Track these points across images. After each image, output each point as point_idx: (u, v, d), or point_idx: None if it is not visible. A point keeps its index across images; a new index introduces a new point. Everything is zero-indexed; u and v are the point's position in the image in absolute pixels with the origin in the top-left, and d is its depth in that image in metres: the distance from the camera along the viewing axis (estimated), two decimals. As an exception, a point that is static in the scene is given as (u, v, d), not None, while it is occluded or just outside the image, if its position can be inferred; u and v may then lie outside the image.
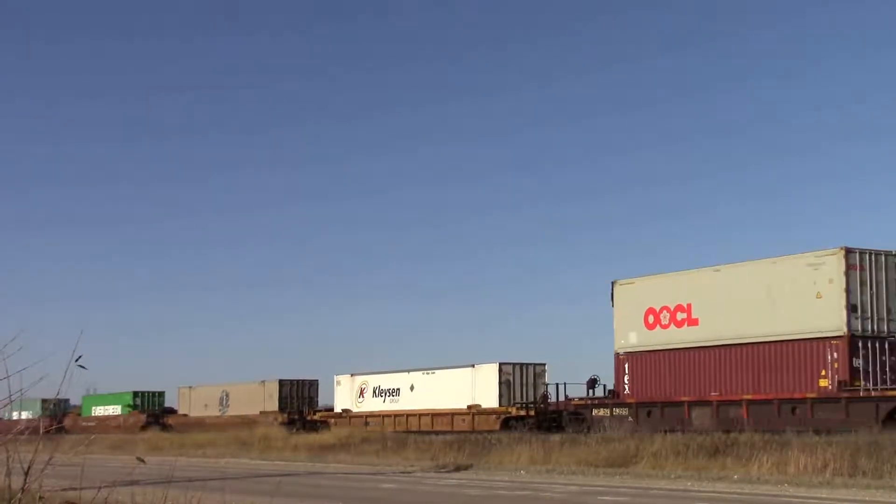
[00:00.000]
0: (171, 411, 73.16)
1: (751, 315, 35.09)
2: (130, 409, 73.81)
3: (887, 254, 33.67)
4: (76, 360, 7.36)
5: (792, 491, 24.00)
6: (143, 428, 67.62)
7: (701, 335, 36.72)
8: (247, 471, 36.02)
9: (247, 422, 58.60)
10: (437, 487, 27.53)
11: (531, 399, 45.96)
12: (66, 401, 79.71)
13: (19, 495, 8.12)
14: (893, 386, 32.41)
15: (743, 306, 35.49)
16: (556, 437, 36.57)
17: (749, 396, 34.95)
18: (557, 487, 26.38)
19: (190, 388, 70.48)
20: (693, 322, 37.11)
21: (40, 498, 8.02)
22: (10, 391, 7.69)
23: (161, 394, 75.67)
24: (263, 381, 63.78)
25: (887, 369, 32.82)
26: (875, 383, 32.37)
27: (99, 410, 77.94)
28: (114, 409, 76.24)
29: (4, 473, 8.22)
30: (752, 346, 35.12)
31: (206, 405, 67.97)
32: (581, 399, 41.85)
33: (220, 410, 66.45)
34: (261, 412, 61.45)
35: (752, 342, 35.11)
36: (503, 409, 45.82)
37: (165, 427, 67.85)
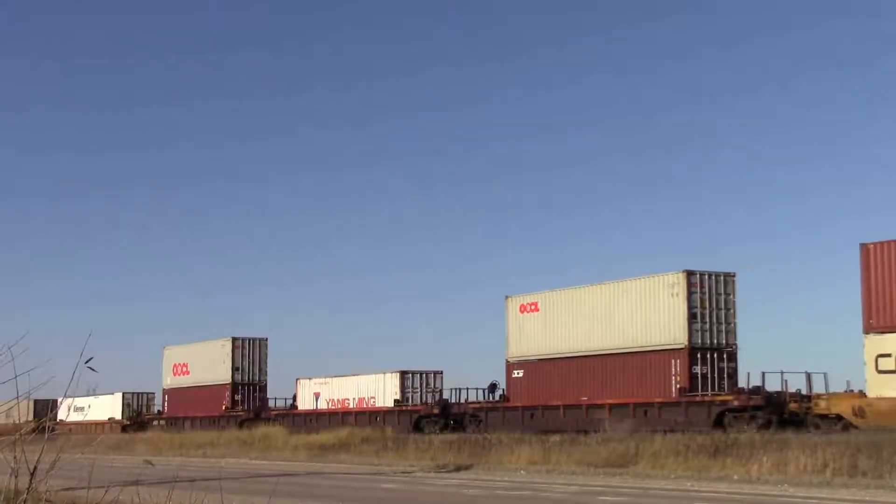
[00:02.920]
0: None
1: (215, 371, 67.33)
2: None
3: None
4: (86, 362, 7.38)
5: (792, 491, 24.07)
6: None
7: (190, 381, 70.02)
8: (247, 471, 36.03)
9: (15, 429, 77.79)
10: (437, 488, 27.56)
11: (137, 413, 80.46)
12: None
13: (25, 496, 8.13)
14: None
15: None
16: (554, 438, 36.80)
17: (201, 414, 67.12)
18: (557, 487, 26.43)
19: None
20: (187, 373, 70.81)
21: (47, 500, 8.03)
22: (17, 392, 7.70)
23: None
24: (27, 399, 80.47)
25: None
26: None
27: None
28: None
29: (10, 474, 8.23)
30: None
31: None
32: (153, 414, 78.06)
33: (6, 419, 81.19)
34: (26, 420, 78.49)
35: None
36: (122, 420, 78.56)
37: None
